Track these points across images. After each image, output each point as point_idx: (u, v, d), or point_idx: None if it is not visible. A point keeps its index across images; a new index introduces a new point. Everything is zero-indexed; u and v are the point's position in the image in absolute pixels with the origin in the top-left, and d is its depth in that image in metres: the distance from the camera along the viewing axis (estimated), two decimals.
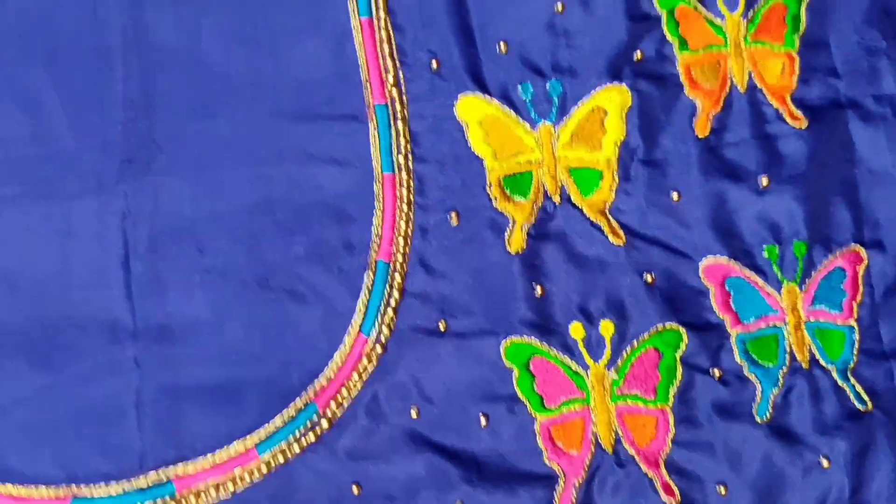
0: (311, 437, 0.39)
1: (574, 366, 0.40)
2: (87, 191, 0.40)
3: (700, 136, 0.42)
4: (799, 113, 0.42)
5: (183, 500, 0.38)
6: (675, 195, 0.42)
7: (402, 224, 0.40)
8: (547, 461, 0.39)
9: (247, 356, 0.39)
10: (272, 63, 0.41)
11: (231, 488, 0.38)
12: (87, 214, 0.40)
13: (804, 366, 0.40)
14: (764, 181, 0.42)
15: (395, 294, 0.39)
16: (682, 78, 0.43)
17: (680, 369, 0.40)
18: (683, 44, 0.43)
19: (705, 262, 0.41)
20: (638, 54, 0.42)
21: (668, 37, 0.43)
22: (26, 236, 0.40)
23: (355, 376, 0.39)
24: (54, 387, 0.39)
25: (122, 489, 0.38)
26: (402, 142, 0.41)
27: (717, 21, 0.44)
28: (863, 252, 0.42)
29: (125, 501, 0.37)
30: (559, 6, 0.43)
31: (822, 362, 0.41)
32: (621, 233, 0.41)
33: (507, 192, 0.41)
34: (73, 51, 0.41)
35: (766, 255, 0.42)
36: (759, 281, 0.41)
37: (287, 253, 0.40)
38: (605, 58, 0.42)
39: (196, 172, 0.40)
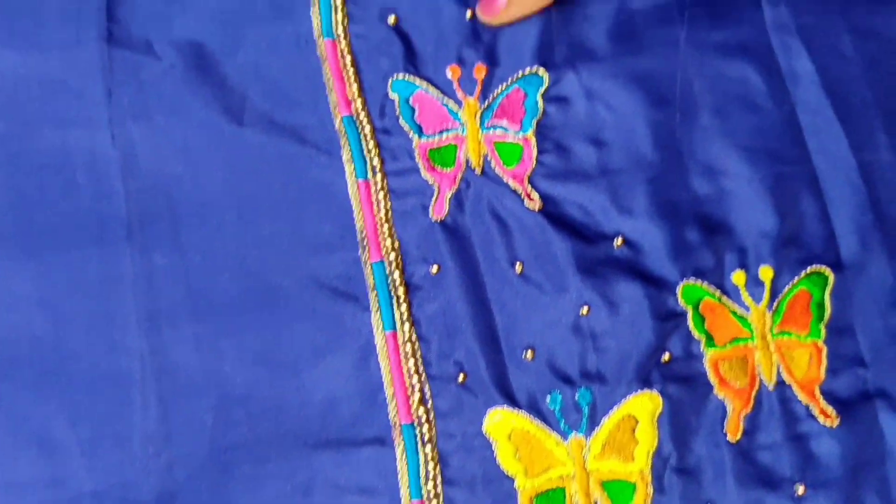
0: None
1: None
2: None
3: (732, 441, 0.41)
4: (830, 409, 0.42)
5: None
6: None
7: None
8: None
9: None
10: (295, 383, 0.40)
11: None
12: None
13: None
14: (800, 490, 0.41)
15: None
16: (711, 376, 0.42)
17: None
18: (710, 339, 0.42)
19: None
20: (666, 356, 0.41)
21: (695, 333, 0.42)
22: None
23: None
24: None
25: None
26: (431, 466, 0.40)
27: (743, 313, 0.43)
28: None
29: None
30: (584, 308, 0.42)
31: None
32: None
33: None
34: (89, 380, 0.40)
35: None
36: None
37: None
38: (633, 362, 0.41)
39: None
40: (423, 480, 0.40)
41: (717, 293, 0.42)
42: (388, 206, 0.43)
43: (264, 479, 0.39)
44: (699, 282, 0.42)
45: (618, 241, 0.43)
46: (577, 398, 0.41)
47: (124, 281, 0.41)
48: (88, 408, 0.40)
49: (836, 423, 0.41)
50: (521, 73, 0.45)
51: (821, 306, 0.42)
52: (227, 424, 0.39)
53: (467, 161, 0.44)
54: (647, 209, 0.43)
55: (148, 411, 0.40)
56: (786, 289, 0.43)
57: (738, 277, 0.43)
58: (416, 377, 0.40)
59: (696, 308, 0.42)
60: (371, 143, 0.43)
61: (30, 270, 0.41)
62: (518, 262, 0.42)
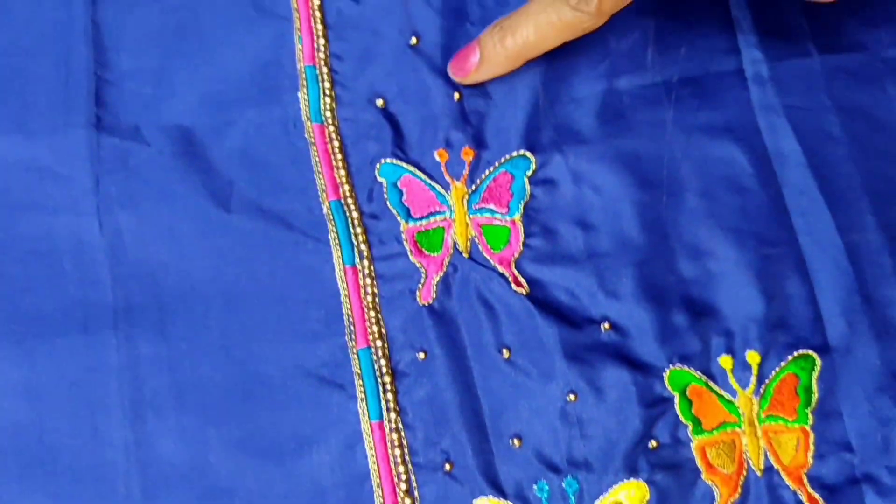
0: None
1: None
2: None
3: None
4: (817, 496, 0.42)
5: None
6: None
7: None
8: None
9: None
10: (280, 473, 0.40)
11: None
12: None
13: None
14: None
15: None
16: (699, 462, 0.42)
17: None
18: (698, 425, 0.42)
19: None
20: (653, 443, 0.41)
21: (682, 419, 0.42)
22: None
23: None
24: None
25: None
26: None
27: (730, 398, 0.43)
28: None
29: None
30: (572, 395, 0.42)
31: None
32: None
33: None
34: (73, 471, 0.40)
35: None
36: None
37: None
38: (620, 449, 0.41)
39: None
40: None
41: (704, 378, 0.42)
42: (376, 292, 0.43)
43: None
44: (686, 367, 0.42)
45: (605, 326, 0.43)
46: (563, 486, 0.41)
47: (110, 370, 0.41)
48: (73, 499, 0.39)
49: None
50: (508, 155, 0.45)
51: (808, 390, 0.42)
52: None
53: (455, 244, 0.44)
54: (634, 292, 0.43)
55: (132, 502, 0.39)
56: (773, 373, 0.43)
57: (724, 361, 0.43)
58: (402, 466, 0.40)
59: (683, 393, 0.42)
60: (359, 229, 0.43)
61: (14, 358, 0.41)
62: (505, 348, 0.42)
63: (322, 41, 0.47)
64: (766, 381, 0.43)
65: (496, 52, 0.45)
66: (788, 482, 0.42)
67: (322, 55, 0.46)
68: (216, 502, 0.40)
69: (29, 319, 0.41)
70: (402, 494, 0.40)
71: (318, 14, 0.47)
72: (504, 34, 0.44)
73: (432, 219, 0.44)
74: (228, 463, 0.40)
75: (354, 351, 0.42)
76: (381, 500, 0.41)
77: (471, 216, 0.45)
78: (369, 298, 0.43)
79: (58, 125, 0.44)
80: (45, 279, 0.42)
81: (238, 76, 0.46)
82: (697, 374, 0.42)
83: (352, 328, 0.42)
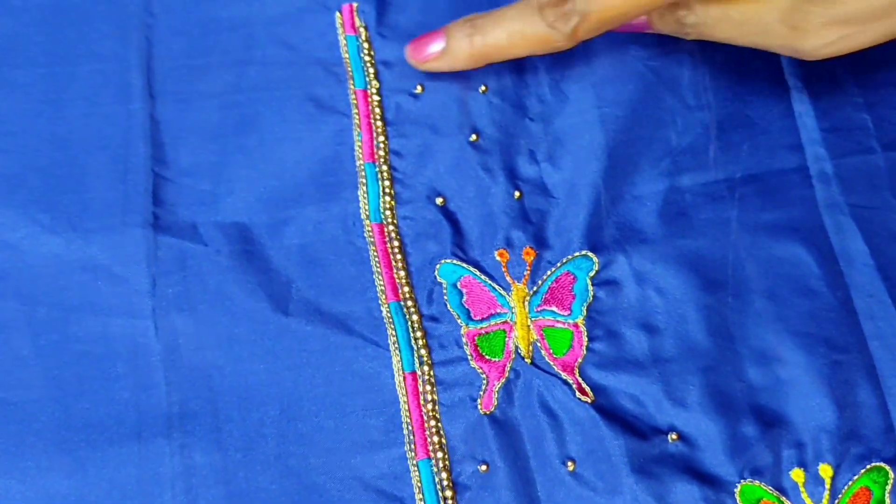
0: None
1: None
2: None
3: None
4: None
5: None
6: None
7: None
8: None
9: None
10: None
11: None
12: None
13: None
14: None
15: None
16: None
17: None
18: None
19: None
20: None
21: None
22: None
23: None
24: None
25: None
26: None
27: None
28: None
29: None
30: None
31: None
32: None
33: None
34: None
35: None
36: None
37: None
38: None
39: None
40: None
41: (777, 493, 0.40)
42: (436, 399, 0.41)
43: None
44: (757, 481, 0.41)
45: (672, 437, 0.42)
46: None
47: (163, 480, 0.40)
48: None
49: None
50: (570, 256, 0.44)
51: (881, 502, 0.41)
52: None
53: (516, 349, 0.43)
54: (702, 401, 0.42)
55: None
56: (845, 488, 0.41)
57: (797, 475, 0.41)
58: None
59: None
60: (419, 332, 0.42)
61: (65, 467, 0.39)
62: (570, 460, 0.41)
63: (381, 138, 0.46)
64: (840, 495, 0.41)
65: (461, 46, 0.45)
66: None
67: (381, 152, 0.45)
68: None
69: (81, 426, 0.40)
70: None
71: (377, 110, 0.46)
72: (475, 31, 0.44)
73: (493, 321, 0.43)
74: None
75: (414, 462, 0.41)
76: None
77: (532, 319, 0.43)
78: (429, 406, 0.41)
79: (115, 224, 0.43)
80: (99, 383, 0.41)
81: (297, 173, 0.45)
82: (770, 489, 0.41)
83: (411, 438, 0.41)
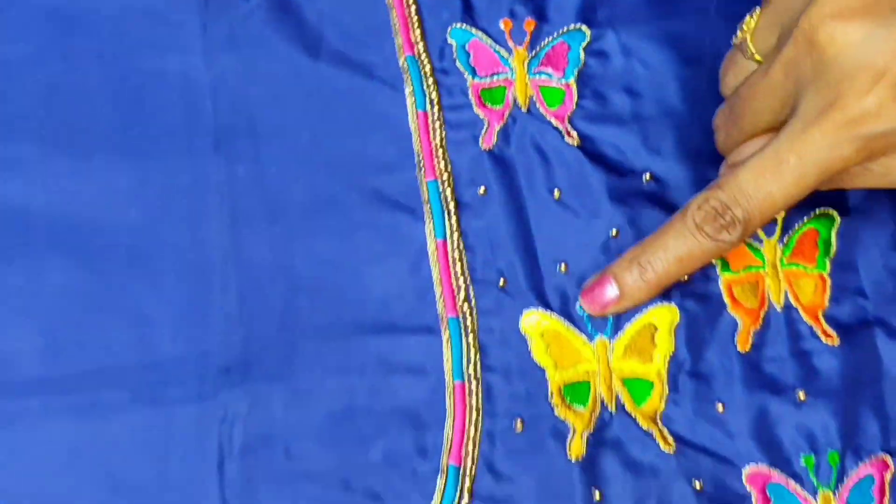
0: None
1: None
2: (188, 398, 0.44)
3: (742, 351, 0.47)
4: (831, 331, 0.47)
5: None
6: (720, 406, 0.46)
7: (472, 430, 0.45)
8: None
9: None
10: (355, 281, 0.47)
11: None
12: (187, 420, 0.44)
13: None
14: (801, 395, 0.46)
15: (465, 497, 0.44)
16: (725, 297, 0.48)
17: None
18: (725, 265, 0.48)
19: (748, 469, 0.46)
20: (685, 276, 0.47)
21: (713, 259, 0.48)
22: (130, 440, 0.44)
23: None
24: None
25: None
26: (472, 353, 0.46)
27: (757, 245, 0.49)
28: (889, 460, 0.46)
29: None
30: (614, 231, 0.48)
31: None
32: (671, 440, 0.45)
33: (567, 400, 0.46)
34: (177, 267, 0.46)
35: (803, 463, 0.46)
36: (797, 487, 0.45)
37: (366, 458, 0.44)
38: None
39: (286, 383, 0.45)
40: (464, 365, 0.46)
41: None
42: (443, 135, 0.49)
43: (326, 355, 0.45)
44: None
45: (646, 177, 0.49)
46: None
47: (210, 186, 0.48)
48: (175, 289, 0.46)
49: (836, 342, 0.47)
50: (566, 28, 0.52)
51: (827, 243, 0.48)
52: (294, 310, 0.46)
53: (515, 100, 0.50)
54: (674, 152, 0.49)
55: (227, 295, 0.46)
56: (796, 226, 0.49)
57: None
58: (462, 279, 0.47)
59: None
60: (430, 80, 0.50)
61: (128, 170, 0.48)
62: (556, 189, 0.49)
63: None
64: (790, 232, 0.49)
65: (637, 287, 0.44)
66: (806, 319, 0.48)
67: None
68: (298, 299, 0.46)
69: (141, 139, 0.48)
70: (461, 301, 0.47)
71: None
72: (644, 269, 0.44)
73: (496, 78, 0.51)
74: (310, 269, 0.47)
75: (423, 182, 0.49)
76: (443, 305, 0.47)
77: (530, 78, 0.51)
78: (437, 140, 0.49)
79: None
80: (156, 106, 0.49)
81: None
82: None
83: (421, 163, 0.49)
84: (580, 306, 0.48)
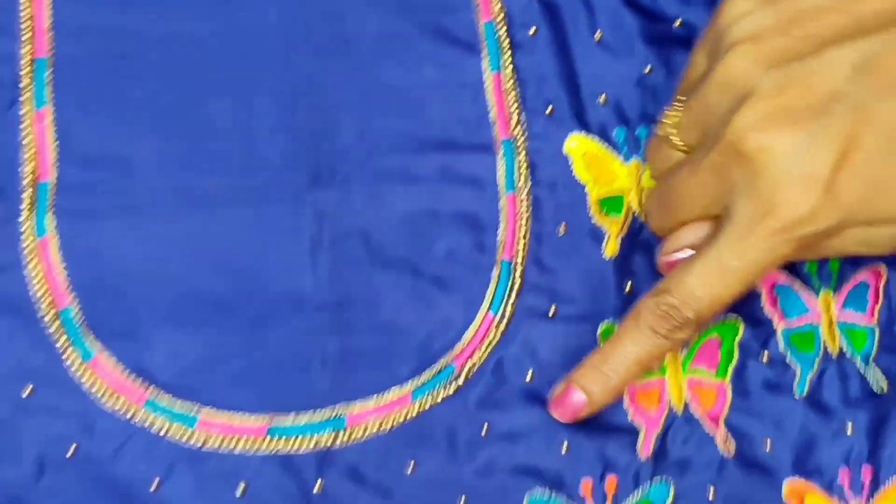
0: (451, 390, 0.52)
1: None
2: (285, 198, 0.54)
3: None
4: None
5: (351, 432, 0.51)
6: None
7: (522, 232, 0.54)
8: (631, 419, 0.52)
9: (401, 327, 0.52)
10: (421, 106, 0.55)
11: (389, 424, 0.51)
12: (284, 216, 0.54)
13: (834, 356, 0.53)
14: None
15: (517, 285, 0.53)
16: None
17: (737, 353, 0.53)
18: None
19: None
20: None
21: None
22: (234, 231, 0.53)
23: (484, 346, 0.52)
24: (259, 346, 0.52)
25: (308, 420, 0.51)
26: (523, 169, 0.55)
27: None
28: (884, 269, 0.55)
29: (309, 430, 0.51)
30: (648, 68, 0.57)
31: (849, 354, 0.53)
32: None
33: (604, 210, 0.55)
34: (270, 89, 0.55)
35: (807, 268, 0.55)
36: (802, 287, 0.54)
37: (433, 252, 0.53)
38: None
39: (364, 187, 0.54)
40: (516, 179, 0.55)
41: None
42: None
43: (397, 165, 0.54)
44: None
45: (677, 23, 0.58)
46: (637, 133, 0.56)
47: (296, 23, 0.56)
48: (271, 106, 0.56)
49: None
50: None
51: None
52: (369, 128, 0.55)
53: None
54: (703, 1, 0.57)
55: (312, 113, 0.56)
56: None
57: None
58: (514, 106, 0.55)
59: None
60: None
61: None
62: (598, 32, 0.57)
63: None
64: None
65: (604, 394, 0.47)
66: None
67: None
68: (375, 116, 0.56)
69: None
70: (513, 126, 0.55)
71: None
72: (608, 377, 0.46)
73: None
74: (383, 94, 0.56)
75: (481, 23, 0.57)
76: (498, 131, 0.56)
77: None
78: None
79: None
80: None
81: None
82: None
83: (479, 7, 0.57)
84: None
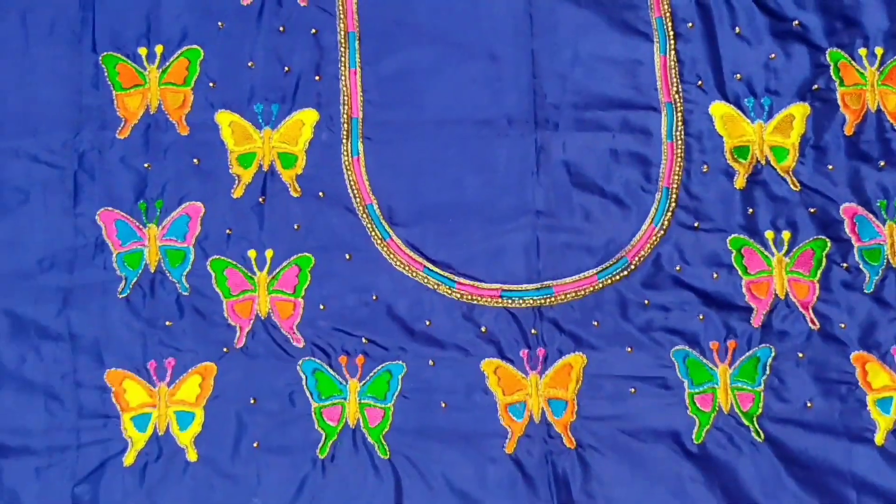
0: (625, 274, 0.78)
1: (765, 251, 0.76)
2: (516, 135, 0.77)
3: (847, 135, 0.81)
4: None
5: (557, 298, 0.77)
6: (830, 167, 0.79)
7: (677, 169, 0.80)
8: (748, 301, 0.76)
9: (592, 230, 0.77)
10: (599, 77, 0.79)
11: (582, 294, 0.76)
12: (516, 148, 0.77)
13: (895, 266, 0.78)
14: (882, 163, 0.80)
15: (672, 205, 0.79)
16: (840, 101, 0.81)
17: (825, 261, 0.79)
18: (842, 82, 0.81)
19: (844, 205, 0.78)
20: (816, 86, 0.81)
21: (833, 77, 0.81)
22: (472, 158, 0.78)
23: (648, 246, 0.78)
24: (497, 237, 0.77)
25: (527, 288, 0.78)
26: (679, 124, 0.80)
27: (859, 69, 0.82)
28: None
29: (528, 294, 0.78)
30: (773, 55, 0.82)
31: None
32: (797, 185, 0.80)
33: (736, 156, 0.80)
34: (492, 54, 0.79)
35: (879, 205, 0.80)
36: (874, 218, 0.80)
37: (616, 179, 0.77)
38: (796, 87, 0.79)
39: (561, 133, 0.78)
40: (674, 131, 0.80)
41: (846, 56, 0.81)
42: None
43: (584, 117, 0.78)
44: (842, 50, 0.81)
45: (795, 22, 0.82)
46: (762, 102, 0.81)
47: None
48: (491, 68, 0.81)
49: None
50: None
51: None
52: (562, 90, 0.79)
53: None
54: (815, 6, 0.82)
55: (521, 72, 0.81)
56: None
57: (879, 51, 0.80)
58: (675, 79, 0.81)
59: (836, 64, 0.79)
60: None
61: None
62: (737, 26, 0.82)
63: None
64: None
65: None
66: (891, 120, 0.81)
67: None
68: (568, 85, 0.80)
69: None
70: (673, 89, 0.79)
71: None
72: None
73: None
74: (572, 67, 0.80)
75: (654, 18, 0.82)
76: (662, 96, 0.81)
77: None
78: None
79: None
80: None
81: None
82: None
83: (652, 4, 0.82)
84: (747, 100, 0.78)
